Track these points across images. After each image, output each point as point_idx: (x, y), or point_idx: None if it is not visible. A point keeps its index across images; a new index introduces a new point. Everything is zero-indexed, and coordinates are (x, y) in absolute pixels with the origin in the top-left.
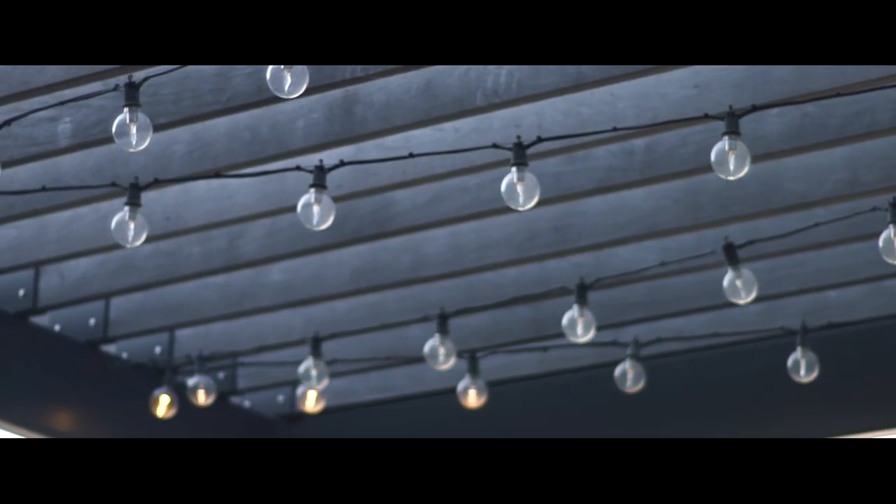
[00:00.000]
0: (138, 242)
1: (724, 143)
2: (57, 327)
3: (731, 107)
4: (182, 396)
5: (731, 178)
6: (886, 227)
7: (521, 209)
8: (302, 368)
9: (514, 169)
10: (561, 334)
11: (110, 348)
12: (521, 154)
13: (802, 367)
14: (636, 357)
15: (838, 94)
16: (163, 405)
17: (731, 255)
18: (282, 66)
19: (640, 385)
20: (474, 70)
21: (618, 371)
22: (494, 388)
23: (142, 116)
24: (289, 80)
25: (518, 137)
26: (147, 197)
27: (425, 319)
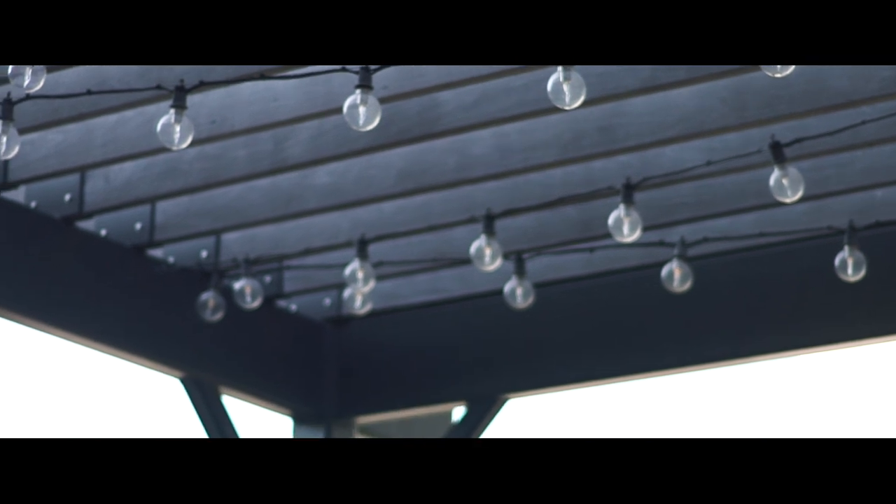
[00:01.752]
0: (184, 145)
1: None
2: (103, 232)
3: None
4: (228, 300)
5: (777, 76)
6: None
7: (567, 109)
8: (348, 271)
9: (560, 68)
10: (607, 235)
11: (157, 252)
12: None
13: (850, 266)
14: (683, 257)
15: None
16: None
17: (778, 153)
18: None
19: (687, 285)
20: None
21: (664, 271)
22: (541, 290)
23: None
24: None
25: None
26: (192, 100)
27: (472, 221)
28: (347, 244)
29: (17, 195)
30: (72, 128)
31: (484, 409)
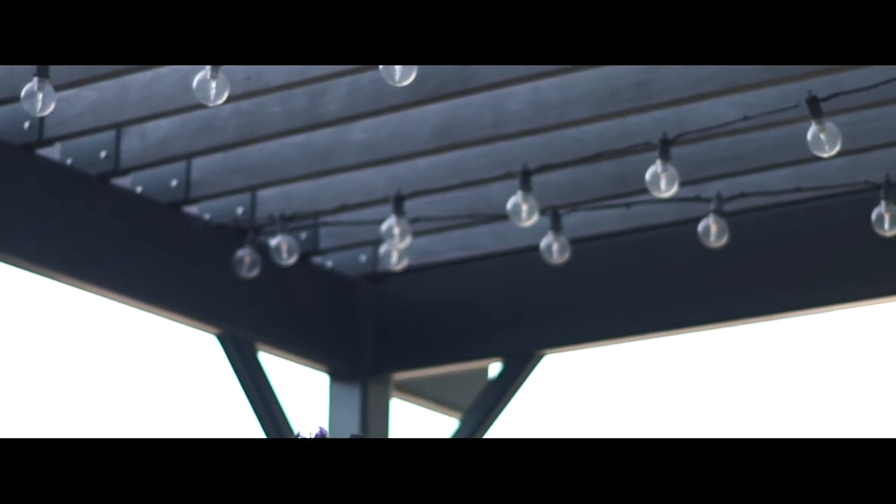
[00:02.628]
0: (220, 102)
1: None
2: (139, 189)
3: None
4: (264, 256)
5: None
6: None
7: (602, 64)
8: (384, 227)
9: None
10: (644, 190)
11: (192, 209)
12: None
13: (886, 220)
14: (719, 212)
15: None
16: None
17: (815, 107)
18: None
19: (724, 240)
20: None
21: (701, 226)
22: (576, 245)
23: None
24: None
25: None
26: None
27: (508, 176)
28: (383, 200)
29: (53, 152)
30: (107, 84)
31: (520, 366)
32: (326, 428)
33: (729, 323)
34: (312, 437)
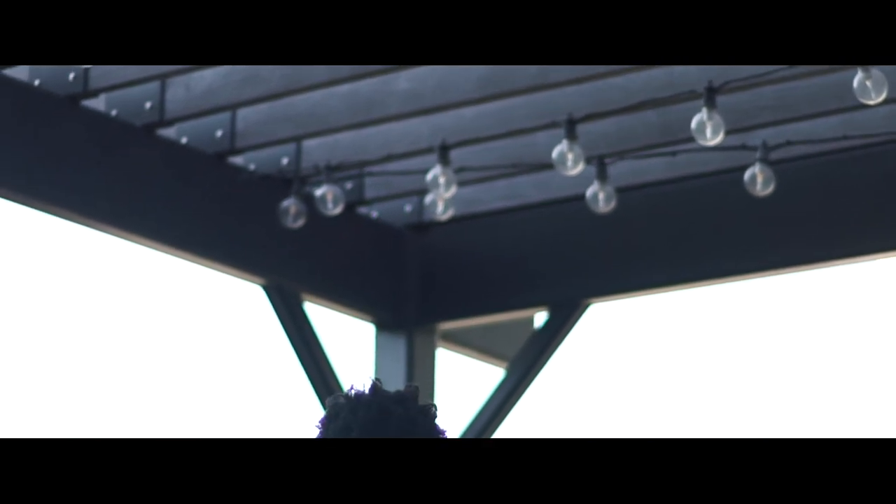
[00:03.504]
0: None
1: None
2: (184, 140)
3: None
4: (310, 206)
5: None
6: None
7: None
8: (429, 177)
9: None
10: (689, 139)
11: (237, 160)
12: None
13: None
14: (765, 161)
15: None
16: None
17: None
18: None
19: (770, 189)
20: None
21: (747, 175)
22: (622, 194)
23: None
24: None
25: None
26: None
27: (553, 126)
28: (428, 150)
29: (98, 104)
30: None
31: (566, 315)
32: (376, 380)
33: (775, 271)
34: (364, 390)
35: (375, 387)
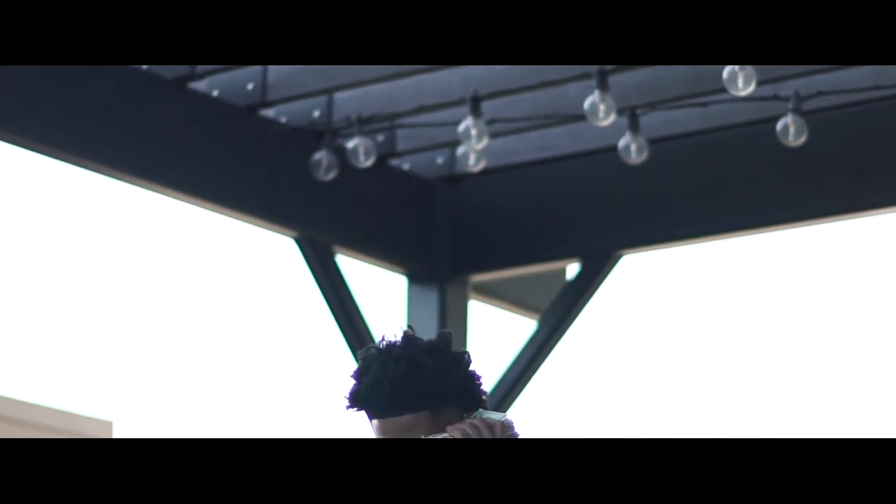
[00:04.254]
0: None
1: None
2: (215, 93)
3: None
4: (341, 159)
5: None
6: None
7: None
8: (461, 128)
9: None
10: (721, 89)
11: (269, 112)
12: None
13: None
14: (797, 111)
15: None
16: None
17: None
18: None
19: (802, 139)
20: None
21: (779, 125)
22: (655, 145)
23: None
24: None
25: None
26: None
27: (585, 77)
28: (460, 102)
29: None
30: None
31: (598, 267)
32: (408, 329)
33: (807, 222)
34: (397, 340)
35: (407, 337)
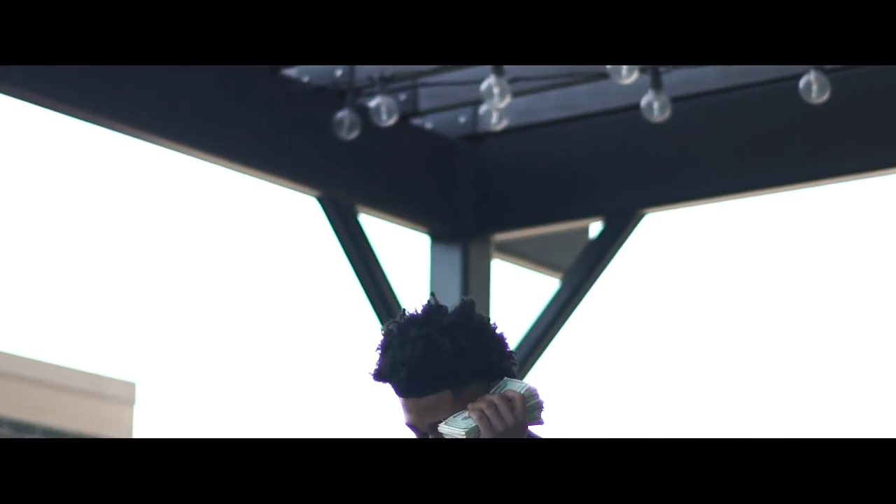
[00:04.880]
0: None
1: None
2: None
3: None
4: (364, 118)
5: None
6: None
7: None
8: (484, 87)
9: None
10: None
11: (291, 72)
12: None
13: None
14: (820, 68)
15: None
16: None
17: None
18: None
19: (825, 96)
20: None
21: (802, 83)
22: (677, 104)
23: None
24: None
25: None
26: None
27: None
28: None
29: None
30: None
31: (621, 225)
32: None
33: (830, 180)
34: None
35: (426, 313)
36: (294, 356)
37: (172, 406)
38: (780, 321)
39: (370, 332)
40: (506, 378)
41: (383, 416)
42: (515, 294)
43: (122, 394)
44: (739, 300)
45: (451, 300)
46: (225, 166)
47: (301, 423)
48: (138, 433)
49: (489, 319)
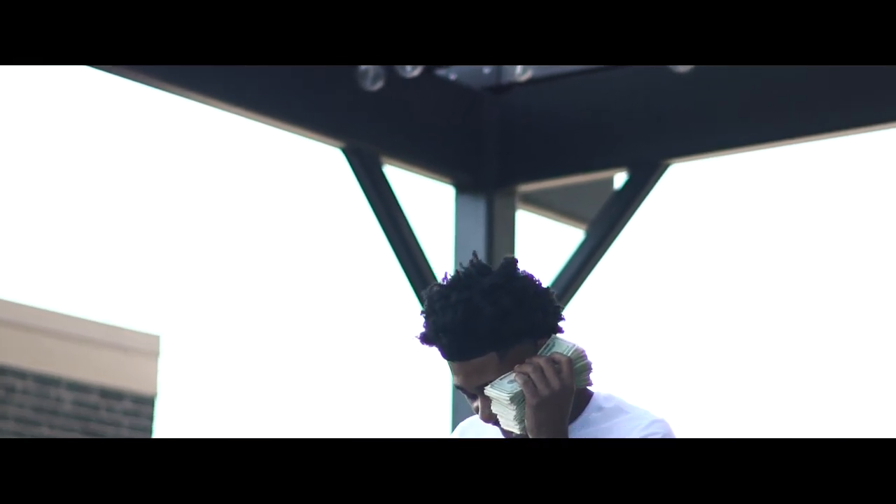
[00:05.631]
0: None
1: None
2: None
3: None
4: (388, 69)
5: None
6: None
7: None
8: None
9: None
10: None
11: None
12: None
13: None
14: None
15: None
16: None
17: None
18: None
19: None
20: None
21: None
22: None
23: None
24: None
25: None
26: None
27: None
28: None
29: None
30: None
31: (646, 176)
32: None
33: (856, 130)
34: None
35: (468, 275)
36: (318, 307)
37: (197, 359)
38: (804, 273)
39: (394, 282)
40: (554, 337)
41: (407, 366)
42: (540, 245)
43: (147, 347)
44: (763, 250)
45: (477, 251)
46: (250, 118)
47: (325, 374)
48: (163, 386)
49: (532, 276)
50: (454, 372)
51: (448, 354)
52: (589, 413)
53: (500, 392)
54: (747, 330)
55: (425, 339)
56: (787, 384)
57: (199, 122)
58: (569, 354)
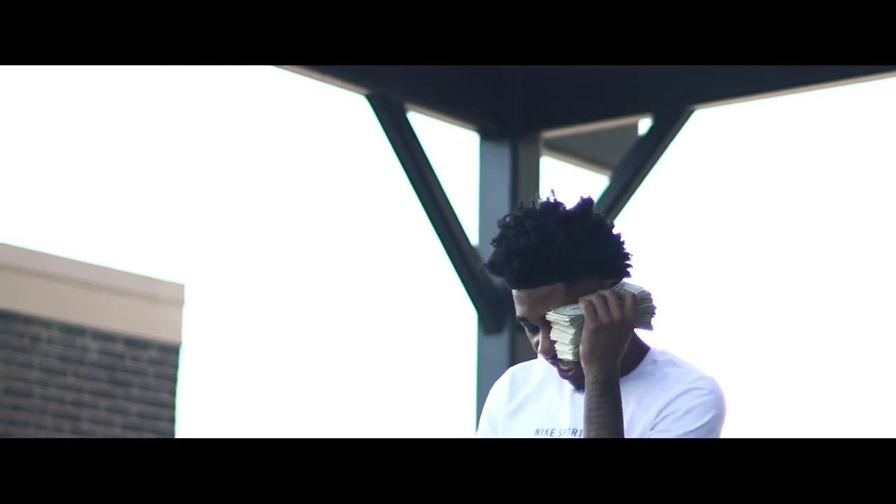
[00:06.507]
0: None
1: None
2: None
3: None
4: None
5: None
6: None
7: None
8: None
9: None
10: None
11: None
12: None
13: None
14: None
15: None
16: None
17: None
18: None
19: None
20: None
21: None
22: None
23: None
24: None
25: None
26: None
27: None
28: None
29: None
30: None
31: (670, 121)
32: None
33: (883, 76)
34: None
35: (544, 206)
36: (344, 253)
37: (222, 307)
38: (830, 219)
39: (419, 229)
40: (623, 280)
41: (429, 312)
42: (564, 191)
43: (172, 295)
44: (788, 196)
45: (501, 198)
46: (275, 65)
47: (347, 319)
48: (188, 334)
49: (608, 219)
50: (519, 301)
51: (517, 280)
52: (644, 366)
53: (561, 315)
54: (771, 276)
55: (495, 266)
56: (810, 328)
57: (225, 72)
58: (635, 293)
